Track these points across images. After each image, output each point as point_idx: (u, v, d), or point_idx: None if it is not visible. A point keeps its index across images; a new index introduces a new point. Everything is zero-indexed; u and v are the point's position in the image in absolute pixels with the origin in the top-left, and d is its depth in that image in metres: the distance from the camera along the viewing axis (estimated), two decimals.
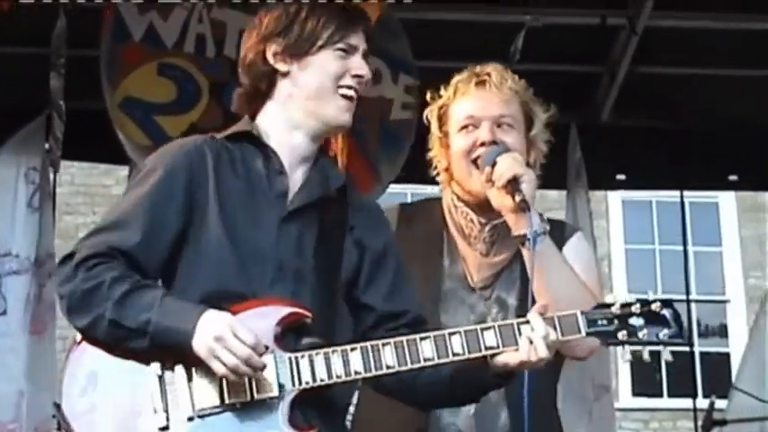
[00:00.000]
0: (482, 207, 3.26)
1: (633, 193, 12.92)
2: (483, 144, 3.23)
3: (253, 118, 2.92)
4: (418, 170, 6.24)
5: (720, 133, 6.56)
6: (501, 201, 3.16)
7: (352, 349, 2.70)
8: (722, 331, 14.58)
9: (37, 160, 5.93)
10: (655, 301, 2.79)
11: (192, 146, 2.86)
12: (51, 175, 6.03)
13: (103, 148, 5.91)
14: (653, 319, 2.77)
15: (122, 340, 2.67)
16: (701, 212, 14.22)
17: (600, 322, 2.76)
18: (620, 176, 6.70)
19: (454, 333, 2.72)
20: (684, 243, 8.30)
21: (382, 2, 5.71)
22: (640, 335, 2.76)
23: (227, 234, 2.76)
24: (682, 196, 7.88)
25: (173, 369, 2.68)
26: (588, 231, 6.39)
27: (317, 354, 2.68)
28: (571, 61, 6.33)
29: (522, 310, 3.07)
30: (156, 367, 2.67)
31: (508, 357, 2.73)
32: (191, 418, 2.65)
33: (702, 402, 6.48)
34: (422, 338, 2.72)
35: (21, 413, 5.69)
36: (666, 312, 2.78)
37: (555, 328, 2.73)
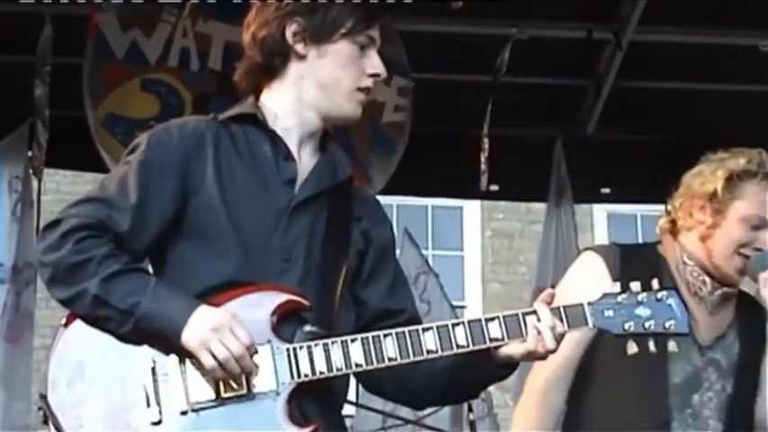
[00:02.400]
0: (714, 277, 3.37)
1: (618, 206, 12.91)
2: (759, 249, 3.30)
3: (256, 94, 2.81)
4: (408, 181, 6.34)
5: (704, 147, 6.55)
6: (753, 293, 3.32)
7: (353, 340, 2.58)
8: None
9: (20, 169, 5.91)
10: (661, 289, 2.71)
11: (190, 128, 2.73)
12: (35, 184, 6.01)
13: (88, 157, 5.88)
14: (659, 308, 2.68)
15: (104, 320, 2.55)
16: None
17: (606, 313, 2.66)
18: (605, 190, 6.70)
19: (458, 324, 2.61)
20: None
21: None
22: (647, 325, 2.67)
23: (231, 222, 2.63)
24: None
25: (166, 356, 2.56)
26: (573, 245, 6.39)
27: (315, 345, 2.57)
28: (556, 74, 6.32)
29: (740, 372, 3.33)
30: (148, 358, 2.55)
31: (513, 349, 2.63)
32: (184, 412, 2.53)
33: None
34: (424, 329, 2.61)
35: None
36: (672, 301, 2.69)
37: (561, 320, 2.63)
